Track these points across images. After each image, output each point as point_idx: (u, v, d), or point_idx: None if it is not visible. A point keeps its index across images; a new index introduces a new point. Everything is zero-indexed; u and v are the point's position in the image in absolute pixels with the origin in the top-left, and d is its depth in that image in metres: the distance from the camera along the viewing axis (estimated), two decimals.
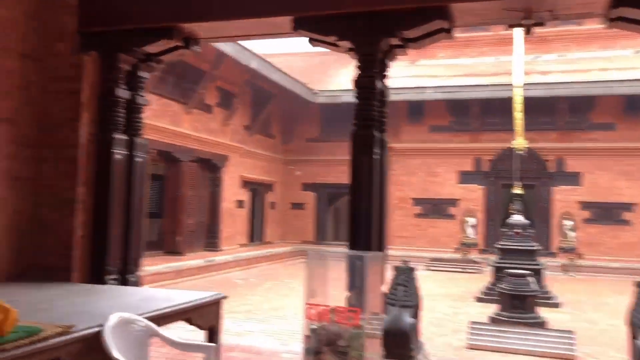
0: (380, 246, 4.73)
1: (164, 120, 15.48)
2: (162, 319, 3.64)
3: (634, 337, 5.32)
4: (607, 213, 19.86)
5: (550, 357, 7.54)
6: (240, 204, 20.05)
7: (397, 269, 6.19)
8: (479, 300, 12.27)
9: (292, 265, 19.27)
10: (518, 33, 16.17)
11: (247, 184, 20.55)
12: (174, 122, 16.05)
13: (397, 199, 22.21)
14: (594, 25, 20.78)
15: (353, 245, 4.43)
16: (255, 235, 21.64)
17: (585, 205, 20.05)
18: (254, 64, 17.32)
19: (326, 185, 23.31)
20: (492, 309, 10.95)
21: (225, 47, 15.47)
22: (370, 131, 4.48)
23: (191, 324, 3.96)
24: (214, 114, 18.26)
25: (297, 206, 23.62)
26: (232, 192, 19.26)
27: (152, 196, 17.82)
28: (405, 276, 6.09)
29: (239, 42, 16.15)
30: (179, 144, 16.20)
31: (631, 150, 19.58)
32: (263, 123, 21.53)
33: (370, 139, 4.44)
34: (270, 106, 21.33)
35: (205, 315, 4.09)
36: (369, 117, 4.50)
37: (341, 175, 23.52)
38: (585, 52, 20.93)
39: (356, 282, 3.97)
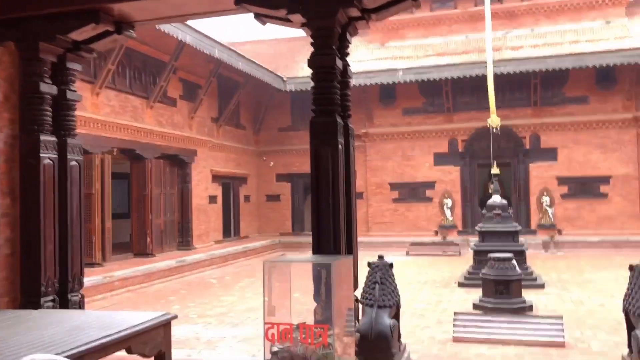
0: (350, 245, 4.19)
1: (124, 116, 14.71)
2: (91, 353, 3.05)
3: (632, 326, 4.89)
4: (584, 187, 19.69)
5: (540, 345, 7.14)
6: (212, 199, 19.37)
7: (372, 265, 5.67)
8: (462, 285, 11.86)
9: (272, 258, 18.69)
10: (487, 7, 15.69)
11: (218, 178, 19.87)
12: (135, 117, 15.28)
13: (374, 184, 21.78)
14: None
15: (318, 247, 3.88)
16: (231, 230, 21.01)
17: (563, 180, 19.85)
18: (217, 53, 16.57)
19: (301, 175, 22.73)
20: (475, 294, 10.56)
21: (186, 36, 14.72)
22: (332, 117, 3.91)
23: (132, 353, 3.39)
24: (178, 107, 17.50)
25: (273, 198, 23.04)
26: (202, 188, 18.56)
27: (118, 196, 17.10)
28: (381, 273, 5.58)
29: (200, 30, 15.44)
30: (143, 141, 15.45)
31: (605, 123, 19.38)
32: (232, 114, 20.81)
33: (333, 126, 3.88)
34: (239, 96, 20.60)
35: (150, 342, 3.51)
36: (329, 100, 3.93)
37: None
38: (555, 25, 20.60)
39: (323, 293, 3.43)
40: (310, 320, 3.47)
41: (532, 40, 19.98)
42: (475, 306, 9.54)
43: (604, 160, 19.46)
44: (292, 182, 22.90)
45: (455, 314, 7.78)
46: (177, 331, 7.32)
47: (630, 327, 4.89)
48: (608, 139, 19.39)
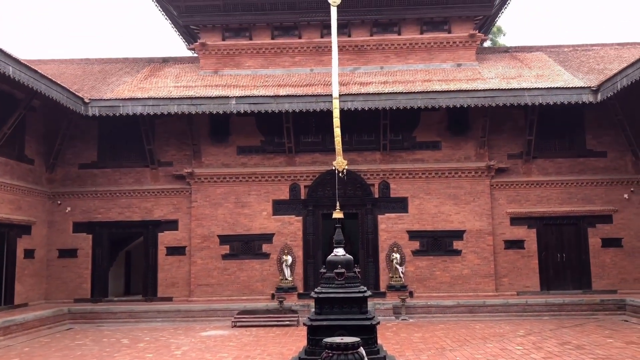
0: None
1: None
2: None
3: None
4: (436, 243, 17.48)
5: None
6: None
7: None
8: None
9: (49, 337, 13.68)
10: (334, 35, 12.70)
11: None
12: None
13: (200, 237, 17.76)
14: (414, 35, 18.88)
15: None
16: (0, 297, 15.54)
17: (414, 234, 17.49)
18: None
19: (108, 223, 18.02)
20: None
21: None
22: None
23: None
24: None
25: (67, 253, 17.88)
26: None
27: None
28: None
29: None
30: None
31: (457, 172, 17.54)
32: (9, 141, 15.73)
33: None
34: (19, 118, 15.66)
35: None
36: None
37: (128, 210, 18.43)
38: (405, 64, 18.79)
39: None
40: None
41: (382, 77, 17.86)
42: None
43: (456, 213, 17.49)
44: (94, 233, 18.04)
45: None
46: None
47: None
48: (461, 190, 17.52)
